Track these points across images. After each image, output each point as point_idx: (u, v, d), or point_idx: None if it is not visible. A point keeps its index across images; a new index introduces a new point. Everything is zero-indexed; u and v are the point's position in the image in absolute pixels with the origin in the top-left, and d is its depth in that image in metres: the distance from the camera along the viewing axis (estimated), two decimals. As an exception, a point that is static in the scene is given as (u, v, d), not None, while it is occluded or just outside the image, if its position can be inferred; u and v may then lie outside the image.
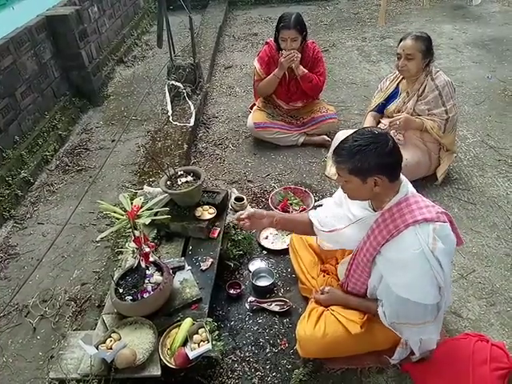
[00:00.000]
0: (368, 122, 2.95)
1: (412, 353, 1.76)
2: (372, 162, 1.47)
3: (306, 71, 3.14)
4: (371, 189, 1.53)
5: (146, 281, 1.77)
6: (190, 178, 2.21)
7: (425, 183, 2.82)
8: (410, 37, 2.60)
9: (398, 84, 2.85)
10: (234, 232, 2.44)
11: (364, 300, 1.80)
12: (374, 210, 1.64)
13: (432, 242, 1.47)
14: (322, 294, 1.90)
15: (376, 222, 1.59)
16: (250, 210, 1.87)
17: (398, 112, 2.79)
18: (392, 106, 2.83)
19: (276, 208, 2.67)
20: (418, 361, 1.77)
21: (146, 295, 1.72)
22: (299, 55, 3.05)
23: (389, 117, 2.87)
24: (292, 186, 2.85)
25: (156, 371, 1.59)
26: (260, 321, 2.08)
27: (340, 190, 1.75)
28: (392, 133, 2.77)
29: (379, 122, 2.94)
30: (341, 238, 1.78)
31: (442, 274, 1.50)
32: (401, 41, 2.65)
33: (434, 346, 1.74)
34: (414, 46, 2.57)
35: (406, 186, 1.58)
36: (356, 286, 1.81)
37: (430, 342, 1.72)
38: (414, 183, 1.69)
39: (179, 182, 2.17)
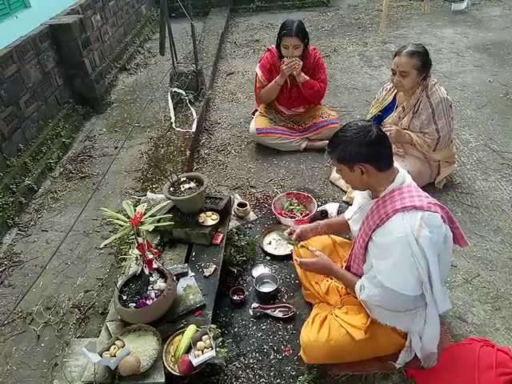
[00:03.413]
0: None
1: (417, 357, 1.75)
2: (352, 151, 1.58)
3: (308, 78, 3.15)
4: (360, 176, 1.62)
5: (150, 287, 1.78)
6: (192, 185, 2.21)
7: (428, 187, 2.81)
8: (404, 52, 2.48)
9: (395, 95, 2.79)
10: (237, 238, 2.44)
11: (348, 273, 1.81)
12: (372, 199, 1.71)
13: (417, 229, 1.48)
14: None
15: (371, 209, 1.65)
16: (297, 230, 2.06)
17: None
18: (388, 120, 2.80)
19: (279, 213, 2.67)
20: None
21: (149, 302, 1.72)
22: (301, 63, 3.06)
23: None
24: (295, 192, 2.85)
25: (160, 378, 1.58)
26: (264, 327, 2.08)
27: None
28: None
29: None
30: (353, 226, 1.85)
31: (425, 267, 1.49)
32: (396, 55, 2.54)
33: (434, 350, 1.72)
34: (409, 63, 2.47)
35: (403, 177, 1.63)
36: None
37: (431, 342, 1.69)
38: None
39: (182, 189, 2.18)
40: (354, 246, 1.79)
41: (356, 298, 1.85)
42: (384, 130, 2.70)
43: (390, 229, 1.53)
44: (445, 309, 1.64)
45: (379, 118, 2.89)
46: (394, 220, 1.53)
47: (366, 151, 1.56)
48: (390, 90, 2.83)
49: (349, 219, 1.91)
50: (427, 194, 1.63)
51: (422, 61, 2.48)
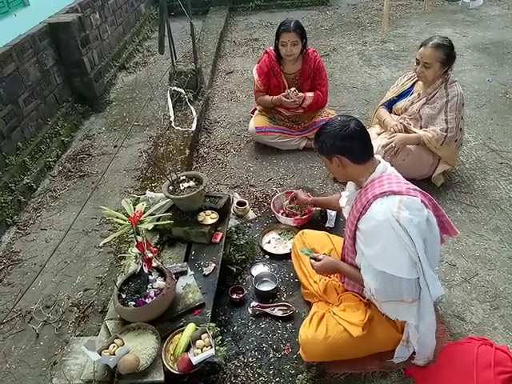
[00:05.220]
0: (383, 113, 2.96)
1: (414, 354, 1.76)
2: (328, 143, 1.68)
3: (311, 101, 3.20)
4: (337, 167, 1.70)
5: (149, 286, 1.78)
6: (192, 183, 2.21)
7: (427, 186, 2.81)
8: (430, 44, 2.54)
9: (413, 83, 2.85)
10: (236, 237, 2.44)
11: (354, 269, 1.79)
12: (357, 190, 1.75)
13: (396, 211, 1.51)
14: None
15: (355, 200, 1.70)
16: (299, 193, 2.57)
17: (405, 110, 2.81)
18: (400, 104, 2.85)
19: (278, 212, 2.67)
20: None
21: (148, 301, 1.72)
22: (302, 95, 3.14)
23: (396, 113, 2.91)
24: (294, 191, 2.84)
25: (159, 377, 1.59)
26: (263, 326, 2.08)
27: None
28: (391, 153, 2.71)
29: None
30: (346, 216, 1.88)
31: (414, 248, 1.50)
32: (421, 45, 2.60)
33: (432, 345, 1.73)
34: (433, 55, 2.53)
35: (384, 167, 1.67)
36: None
37: (428, 332, 1.69)
38: (417, 185, 1.69)
39: (181, 187, 2.18)
40: (345, 239, 1.82)
41: (354, 294, 1.86)
42: (386, 142, 2.68)
43: (371, 214, 1.57)
44: (438, 294, 1.65)
45: (393, 103, 2.93)
46: (373, 206, 1.57)
47: (340, 144, 1.64)
48: (410, 77, 2.89)
49: (343, 207, 1.95)
50: (407, 182, 1.66)
51: (446, 54, 2.54)
